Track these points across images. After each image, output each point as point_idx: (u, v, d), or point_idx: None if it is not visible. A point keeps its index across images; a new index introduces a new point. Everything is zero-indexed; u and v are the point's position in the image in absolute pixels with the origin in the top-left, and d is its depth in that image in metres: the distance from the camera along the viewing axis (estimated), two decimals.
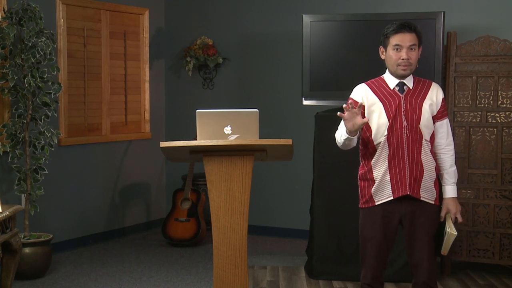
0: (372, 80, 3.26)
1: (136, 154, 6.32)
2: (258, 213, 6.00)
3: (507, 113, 4.78)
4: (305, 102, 4.93)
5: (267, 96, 6.12)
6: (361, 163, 3.28)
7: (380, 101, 3.15)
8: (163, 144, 3.50)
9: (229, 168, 3.52)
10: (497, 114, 4.81)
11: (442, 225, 3.27)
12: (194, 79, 6.45)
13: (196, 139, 3.55)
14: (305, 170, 5.42)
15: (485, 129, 4.82)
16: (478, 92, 4.79)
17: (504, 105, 4.79)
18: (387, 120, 3.11)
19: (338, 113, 3.00)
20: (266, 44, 6.15)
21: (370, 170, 3.17)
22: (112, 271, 5.06)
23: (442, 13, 4.59)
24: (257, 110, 3.58)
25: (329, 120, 4.85)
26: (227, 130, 3.53)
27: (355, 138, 3.10)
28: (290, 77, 5.93)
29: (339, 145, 3.19)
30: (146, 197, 6.49)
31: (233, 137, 3.52)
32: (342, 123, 3.12)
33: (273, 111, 6.03)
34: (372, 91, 3.19)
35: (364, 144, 3.22)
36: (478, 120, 4.83)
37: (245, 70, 6.29)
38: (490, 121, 4.80)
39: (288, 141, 3.45)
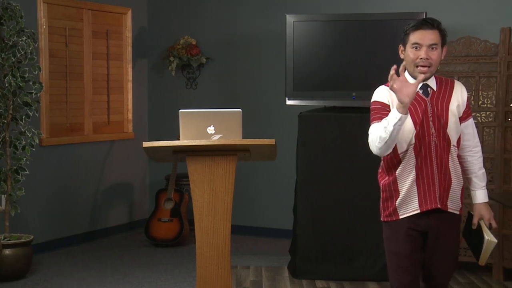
0: (394, 69, 2.78)
1: (119, 154, 6.29)
2: (241, 213, 6.00)
3: (487, 113, 4.83)
4: (289, 102, 4.94)
5: (251, 96, 6.12)
6: (382, 172, 3.00)
7: None
8: (146, 144, 3.48)
9: (212, 168, 3.51)
10: (478, 114, 4.85)
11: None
12: (177, 79, 6.43)
13: (179, 139, 3.54)
14: (289, 169, 5.43)
15: None
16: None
17: (485, 105, 4.83)
18: (413, 127, 2.82)
19: (389, 85, 2.66)
20: (249, 44, 6.15)
21: (395, 181, 2.89)
22: (94, 272, 5.03)
23: (424, 13, 4.62)
24: (240, 110, 3.57)
25: (313, 120, 4.90)
26: (210, 130, 3.53)
27: (401, 127, 2.73)
28: (274, 77, 5.93)
29: (381, 144, 2.77)
30: (129, 197, 6.46)
31: (216, 137, 3.51)
32: (374, 126, 2.82)
33: (256, 111, 6.03)
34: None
35: (388, 153, 2.89)
36: None
37: (228, 70, 6.28)
38: None
39: (272, 141, 3.45)
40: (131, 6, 6.35)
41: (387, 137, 2.74)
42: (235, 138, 3.50)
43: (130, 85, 6.40)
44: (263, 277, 4.91)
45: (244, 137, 3.53)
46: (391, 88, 2.70)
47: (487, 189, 3.03)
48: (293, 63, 4.86)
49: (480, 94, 4.83)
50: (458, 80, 4.78)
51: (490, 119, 4.82)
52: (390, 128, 2.72)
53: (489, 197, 4.05)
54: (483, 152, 4.73)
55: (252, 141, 3.45)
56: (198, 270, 3.54)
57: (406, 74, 2.88)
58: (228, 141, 3.45)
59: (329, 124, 4.82)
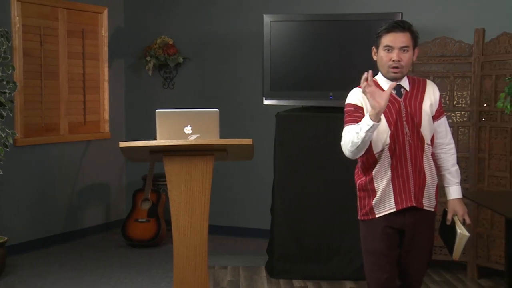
0: (366, 73, 2.87)
1: (95, 154, 6.24)
2: (218, 213, 6.00)
3: (462, 112, 4.89)
4: (266, 102, 4.95)
5: (228, 96, 6.12)
6: (359, 172, 3.04)
7: None
8: (123, 144, 3.46)
9: (189, 168, 3.50)
10: (453, 114, 4.90)
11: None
12: (154, 79, 6.40)
13: (156, 139, 3.53)
14: (266, 169, 5.44)
15: None
16: None
17: (460, 105, 4.89)
18: (388, 128, 2.87)
19: (362, 89, 2.70)
20: (226, 44, 6.14)
21: (371, 181, 2.94)
22: (70, 273, 4.98)
23: (400, 14, 4.66)
24: (217, 110, 3.57)
25: (290, 119, 4.92)
26: (187, 130, 3.52)
27: (373, 133, 2.80)
28: (251, 77, 5.94)
29: (352, 148, 2.84)
30: (105, 198, 6.41)
31: (193, 137, 3.50)
32: (348, 128, 2.89)
33: (234, 111, 6.02)
34: None
35: (364, 153, 2.93)
36: None
37: (205, 69, 6.27)
38: None
39: (249, 141, 3.45)
40: (107, 5, 6.30)
41: (359, 142, 2.80)
42: (212, 138, 3.50)
43: (106, 85, 6.35)
44: (241, 277, 4.91)
45: (221, 137, 3.53)
46: (364, 93, 2.74)
47: (462, 187, 3.07)
48: (270, 63, 4.87)
49: (455, 94, 4.89)
50: (433, 80, 4.88)
51: (464, 119, 4.87)
52: (362, 135, 2.78)
53: (464, 196, 4.11)
54: (458, 152, 4.82)
55: (229, 141, 3.45)
56: (175, 270, 3.53)
57: (380, 75, 2.96)
58: (205, 141, 3.45)
59: (306, 124, 4.84)
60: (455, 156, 3.06)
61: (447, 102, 4.89)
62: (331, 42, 4.84)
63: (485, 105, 4.78)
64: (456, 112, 4.89)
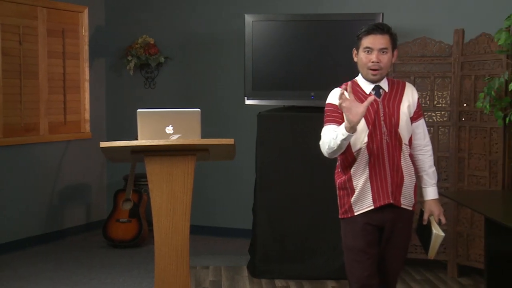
0: (345, 84, 3.00)
1: (76, 154, 6.19)
2: (200, 213, 5.98)
3: (442, 112, 4.93)
4: (248, 102, 4.95)
5: (210, 96, 6.11)
6: (339, 171, 3.10)
7: None
8: (103, 144, 3.44)
9: (171, 168, 3.49)
10: (433, 114, 4.94)
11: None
12: (135, 79, 6.37)
13: (137, 139, 3.51)
14: (248, 169, 5.44)
15: None
16: None
17: (440, 105, 4.93)
18: (366, 127, 2.93)
19: (339, 104, 2.76)
20: (208, 44, 6.13)
21: (350, 179, 3.00)
22: (50, 274, 4.94)
23: (381, 14, 4.69)
24: (199, 109, 3.56)
25: (272, 119, 4.92)
26: (169, 130, 3.51)
27: (348, 141, 2.87)
28: (233, 76, 5.93)
29: (329, 151, 2.92)
30: (86, 198, 6.37)
31: (175, 137, 3.49)
32: (327, 128, 2.96)
33: (215, 110, 6.02)
34: None
35: (343, 152, 2.99)
36: None
37: (187, 69, 6.26)
38: (427, 120, 4.93)
39: (230, 141, 3.45)
40: (87, 5, 6.26)
41: (335, 147, 2.88)
42: (194, 138, 3.49)
43: (87, 85, 6.31)
44: (223, 277, 4.90)
45: (203, 137, 3.52)
46: (341, 107, 2.80)
47: (442, 187, 3.12)
48: (252, 63, 4.87)
49: (435, 94, 4.93)
50: (414, 80, 4.92)
51: (445, 119, 4.92)
52: (337, 142, 2.85)
53: (444, 195, 4.15)
54: (438, 151, 4.89)
55: (211, 141, 3.44)
56: (157, 271, 3.52)
57: (360, 77, 3.04)
58: (186, 141, 3.44)
59: (288, 124, 4.85)
60: (432, 157, 3.14)
61: (428, 102, 4.92)
62: (313, 42, 4.85)
63: (464, 105, 4.82)
64: (437, 112, 4.93)
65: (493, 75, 4.47)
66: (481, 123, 4.71)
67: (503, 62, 4.48)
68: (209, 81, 6.16)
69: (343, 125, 2.83)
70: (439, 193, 3.72)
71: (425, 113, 4.92)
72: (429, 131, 4.88)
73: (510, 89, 4.21)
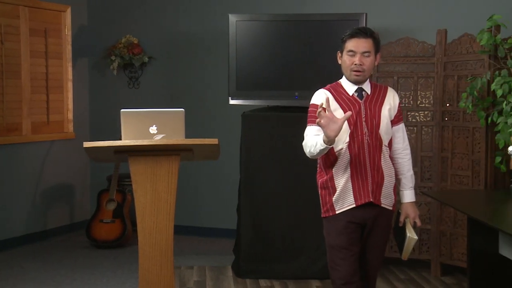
0: (329, 85, 3.14)
1: (59, 154, 6.15)
2: (184, 213, 5.97)
3: (426, 112, 4.96)
4: (232, 102, 4.94)
5: (193, 96, 6.10)
6: (320, 171, 3.15)
7: (341, 107, 3.03)
8: (87, 144, 3.42)
9: (154, 168, 3.48)
10: (416, 114, 4.97)
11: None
12: (119, 78, 6.34)
13: (121, 139, 3.49)
14: (232, 169, 5.44)
15: (406, 128, 4.95)
16: (399, 92, 4.94)
17: (423, 105, 4.96)
18: (348, 127, 3.00)
19: (317, 122, 2.84)
20: (192, 44, 6.12)
21: (332, 178, 3.06)
22: (32, 275, 4.90)
23: (364, 14, 4.71)
24: (183, 109, 3.55)
25: (256, 119, 4.92)
26: (153, 130, 3.50)
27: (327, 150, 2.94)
28: (217, 76, 5.92)
29: (310, 155, 3.01)
30: (69, 199, 6.33)
31: (158, 137, 3.48)
32: (310, 129, 3.03)
33: (199, 110, 6.01)
34: (333, 96, 3.05)
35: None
36: None
37: (171, 69, 6.24)
38: (410, 120, 4.96)
39: (214, 141, 3.45)
40: (70, 4, 6.22)
41: (314, 154, 2.97)
42: (178, 138, 3.48)
43: (70, 84, 6.26)
44: (207, 277, 4.90)
45: (187, 136, 3.52)
46: (318, 124, 2.85)
47: (426, 186, 3.15)
48: (236, 62, 4.87)
49: (418, 94, 4.96)
50: (397, 80, 4.94)
51: (428, 119, 4.95)
52: (317, 150, 2.94)
53: (427, 195, 4.17)
54: (421, 151, 4.92)
55: (195, 141, 3.44)
56: (141, 271, 3.50)
57: (344, 78, 3.11)
58: (170, 141, 3.43)
59: (272, 124, 4.85)
60: (410, 161, 3.22)
61: (411, 102, 4.95)
62: (297, 42, 4.86)
63: (447, 105, 4.86)
64: (420, 112, 4.96)
65: (476, 75, 4.51)
66: (464, 123, 4.74)
67: (485, 63, 4.52)
68: (193, 81, 6.15)
69: (322, 136, 2.90)
70: (423, 193, 3.74)
71: (408, 113, 4.96)
72: (412, 130, 4.94)
73: (492, 89, 4.25)
